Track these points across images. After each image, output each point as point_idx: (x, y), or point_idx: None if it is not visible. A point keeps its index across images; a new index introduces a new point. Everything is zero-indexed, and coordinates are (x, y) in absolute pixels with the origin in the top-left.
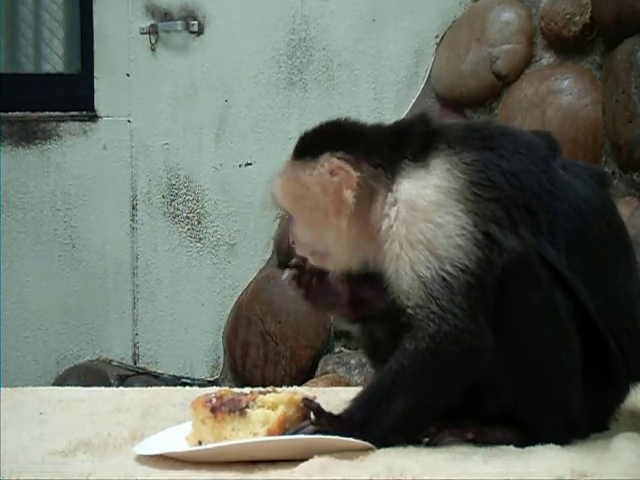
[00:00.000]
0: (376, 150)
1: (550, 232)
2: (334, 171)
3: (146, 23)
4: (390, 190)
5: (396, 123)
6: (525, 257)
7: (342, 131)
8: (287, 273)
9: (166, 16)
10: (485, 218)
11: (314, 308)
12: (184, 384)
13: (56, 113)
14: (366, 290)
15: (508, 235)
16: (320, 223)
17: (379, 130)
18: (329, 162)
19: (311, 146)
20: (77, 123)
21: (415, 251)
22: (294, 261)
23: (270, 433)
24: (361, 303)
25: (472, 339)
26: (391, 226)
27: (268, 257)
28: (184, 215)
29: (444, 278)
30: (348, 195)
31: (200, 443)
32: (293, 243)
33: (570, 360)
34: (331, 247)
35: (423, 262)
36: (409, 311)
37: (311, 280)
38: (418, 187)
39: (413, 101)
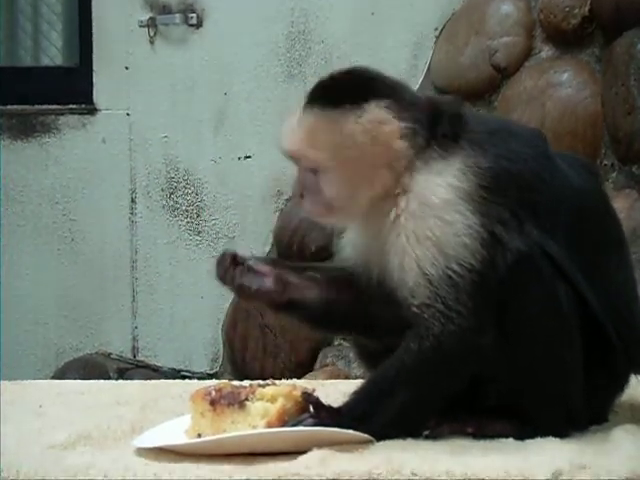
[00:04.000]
0: (413, 113)
1: (551, 225)
2: (382, 120)
3: (145, 16)
4: (409, 169)
5: (428, 97)
6: (528, 253)
7: (378, 79)
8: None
9: (165, 9)
10: (492, 219)
11: (239, 294)
12: (183, 377)
13: (55, 106)
14: (292, 275)
15: (513, 235)
16: (361, 175)
17: (413, 93)
18: (377, 111)
19: (345, 92)
20: (76, 116)
21: (422, 247)
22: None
23: (269, 426)
24: (287, 285)
25: (475, 336)
26: (399, 216)
27: (267, 250)
28: (183, 208)
29: (450, 276)
30: (400, 146)
31: (199, 436)
32: (302, 196)
33: (571, 353)
34: (360, 201)
35: (430, 259)
36: (414, 310)
37: (231, 264)
38: (433, 183)
39: None
